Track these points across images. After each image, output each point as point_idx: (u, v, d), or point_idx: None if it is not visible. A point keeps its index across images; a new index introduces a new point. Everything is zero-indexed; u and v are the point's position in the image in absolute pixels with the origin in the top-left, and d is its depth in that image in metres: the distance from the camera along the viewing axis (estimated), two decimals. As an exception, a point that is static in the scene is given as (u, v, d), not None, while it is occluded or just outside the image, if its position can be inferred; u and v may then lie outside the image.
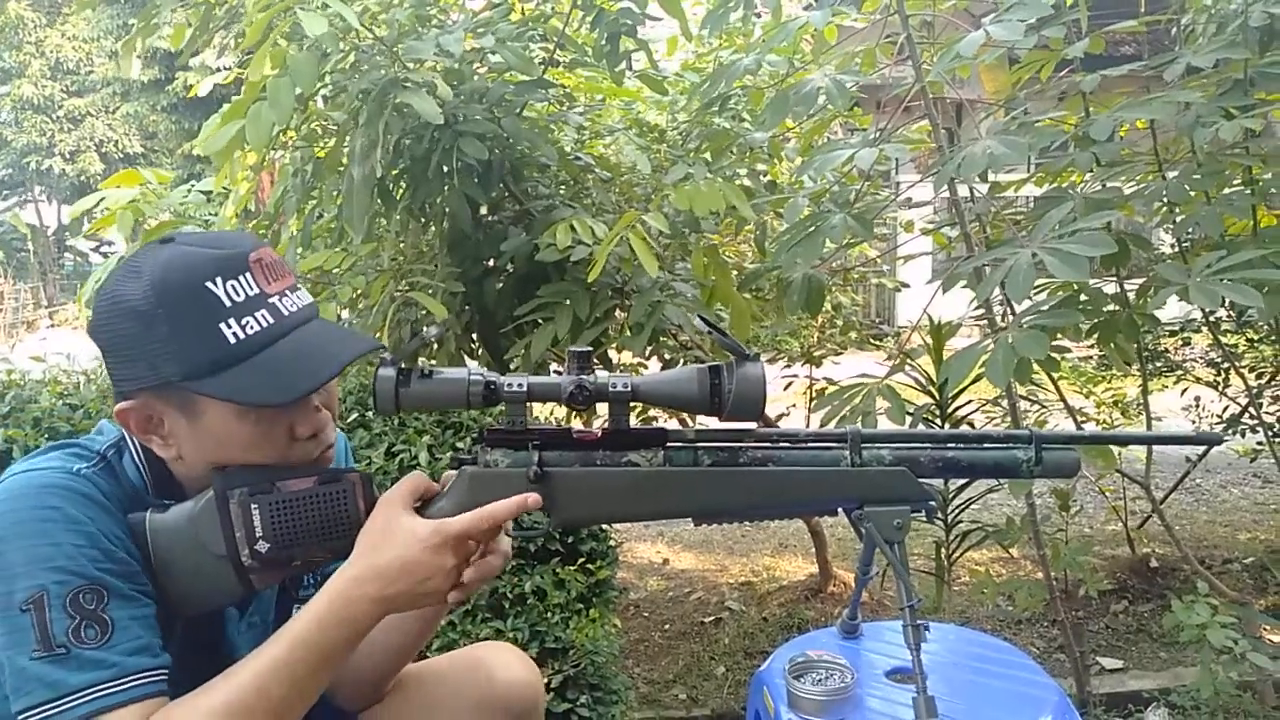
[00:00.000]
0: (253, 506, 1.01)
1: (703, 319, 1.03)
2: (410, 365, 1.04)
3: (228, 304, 0.98)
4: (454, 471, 1.07)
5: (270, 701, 0.94)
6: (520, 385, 1.03)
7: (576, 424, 2.19)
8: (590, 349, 1.06)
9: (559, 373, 1.05)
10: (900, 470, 1.08)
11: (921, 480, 1.08)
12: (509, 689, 1.28)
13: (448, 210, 2.05)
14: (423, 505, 1.05)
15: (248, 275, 1.00)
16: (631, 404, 1.05)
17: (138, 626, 0.96)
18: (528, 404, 1.05)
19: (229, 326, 0.97)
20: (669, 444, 1.07)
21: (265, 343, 0.99)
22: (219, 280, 0.98)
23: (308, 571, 1.04)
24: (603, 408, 1.06)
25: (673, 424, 2.58)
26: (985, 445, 1.12)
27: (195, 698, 0.94)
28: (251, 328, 0.98)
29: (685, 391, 1.03)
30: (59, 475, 0.97)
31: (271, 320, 1.00)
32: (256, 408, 0.99)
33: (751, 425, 1.09)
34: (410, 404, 1.03)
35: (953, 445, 1.12)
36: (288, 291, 1.03)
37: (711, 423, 1.09)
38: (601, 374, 1.04)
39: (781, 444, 1.10)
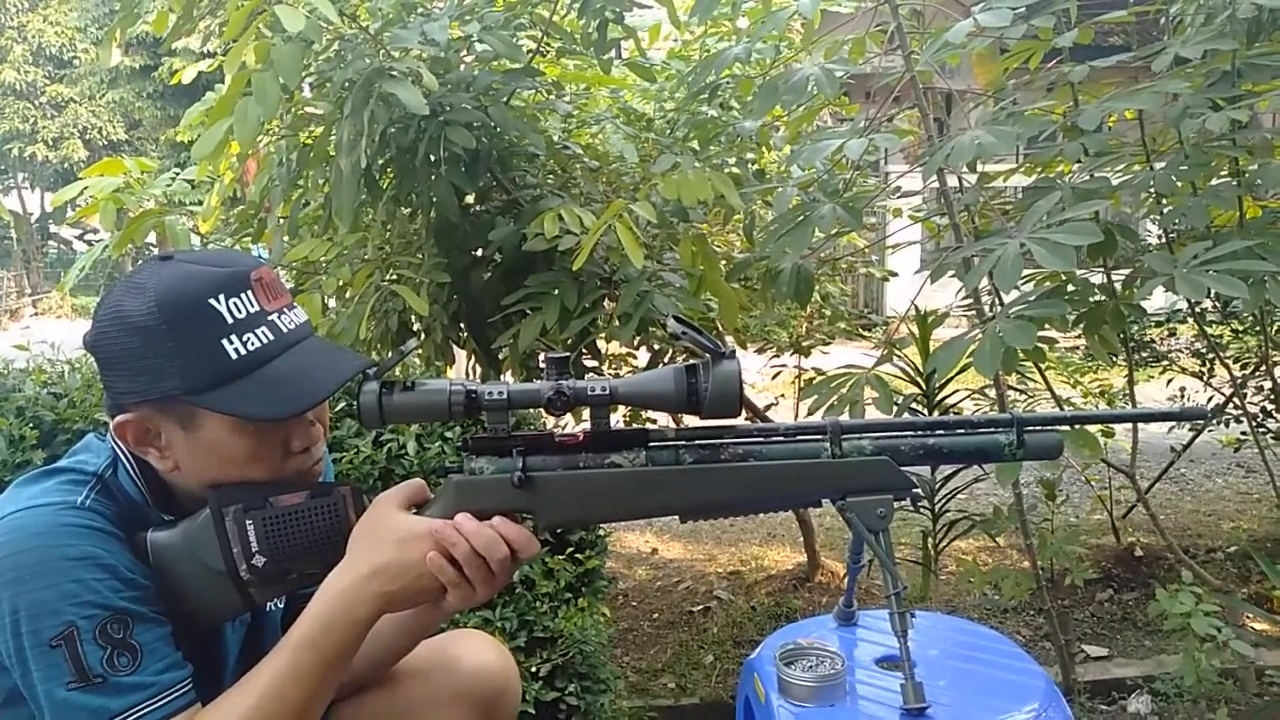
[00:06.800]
0: (248, 522, 1.03)
1: (677, 319, 1.03)
2: (392, 377, 1.05)
3: (229, 321, 1.01)
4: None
5: (288, 704, 0.98)
6: (501, 393, 1.03)
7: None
8: (568, 355, 1.07)
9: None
10: (882, 459, 1.08)
11: (904, 468, 1.08)
12: (476, 675, 1.30)
13: (434, 200, 2.04)
14: (415, 512, 1.06)
15: (249, 293, 1.03)
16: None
17: (163, 646, 0.99)
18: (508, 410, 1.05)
19: (230, 342, 1.00)
20: (651, 444, 1.07)
21: (265, 359, 1.02)
22: (221, 298, 1.01)
23: (305, 585, 1.06)
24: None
25: (664, 420, 2.57)
26: (966, 430, 1.12)
27: (220, 706, 0.98)
28: (252, 344, 1.02)
29: (663, 391, 1.04)
30: (66, 513, 0.99)
31: (271, 337, 1.03)
32: (256, 421, 1.02)
33: (734, 421, 1.09)
34: (394, 416, 1.04)
35: (934, 432, 1.12)
36: (285, 309, 1.07)
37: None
38: (579, 381, 1.04)
39: (762, 439, 1.10)
